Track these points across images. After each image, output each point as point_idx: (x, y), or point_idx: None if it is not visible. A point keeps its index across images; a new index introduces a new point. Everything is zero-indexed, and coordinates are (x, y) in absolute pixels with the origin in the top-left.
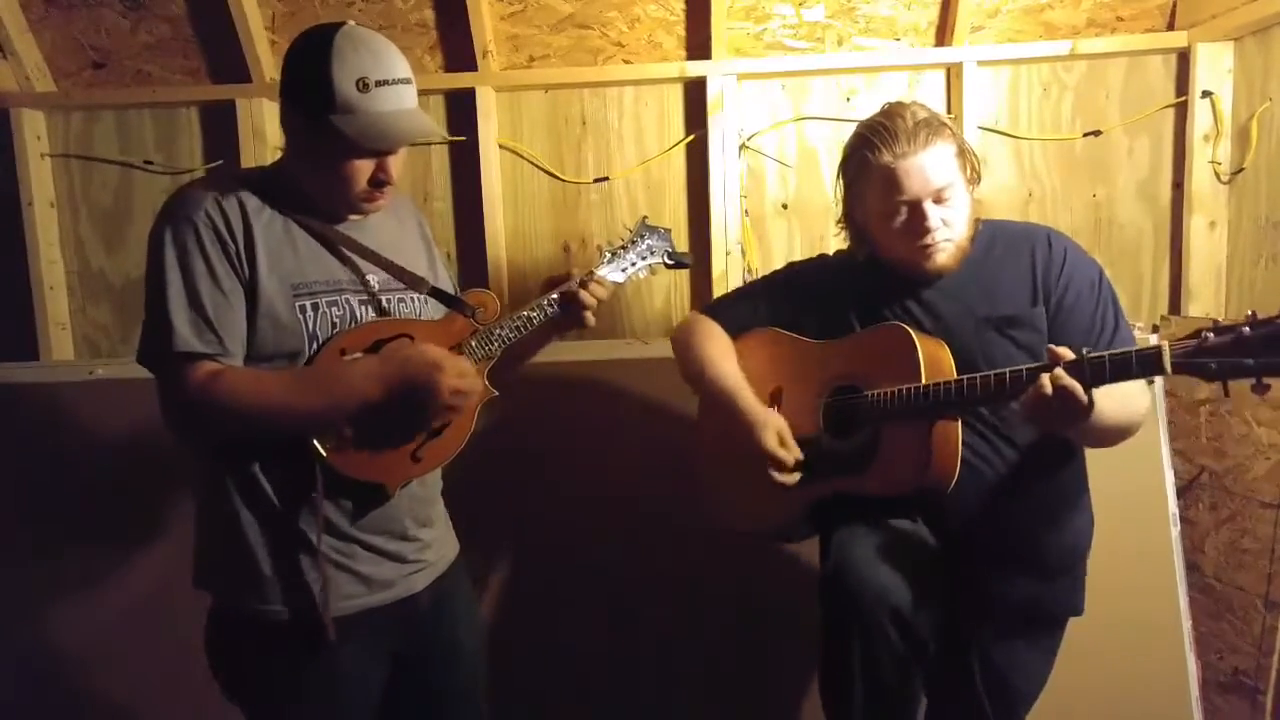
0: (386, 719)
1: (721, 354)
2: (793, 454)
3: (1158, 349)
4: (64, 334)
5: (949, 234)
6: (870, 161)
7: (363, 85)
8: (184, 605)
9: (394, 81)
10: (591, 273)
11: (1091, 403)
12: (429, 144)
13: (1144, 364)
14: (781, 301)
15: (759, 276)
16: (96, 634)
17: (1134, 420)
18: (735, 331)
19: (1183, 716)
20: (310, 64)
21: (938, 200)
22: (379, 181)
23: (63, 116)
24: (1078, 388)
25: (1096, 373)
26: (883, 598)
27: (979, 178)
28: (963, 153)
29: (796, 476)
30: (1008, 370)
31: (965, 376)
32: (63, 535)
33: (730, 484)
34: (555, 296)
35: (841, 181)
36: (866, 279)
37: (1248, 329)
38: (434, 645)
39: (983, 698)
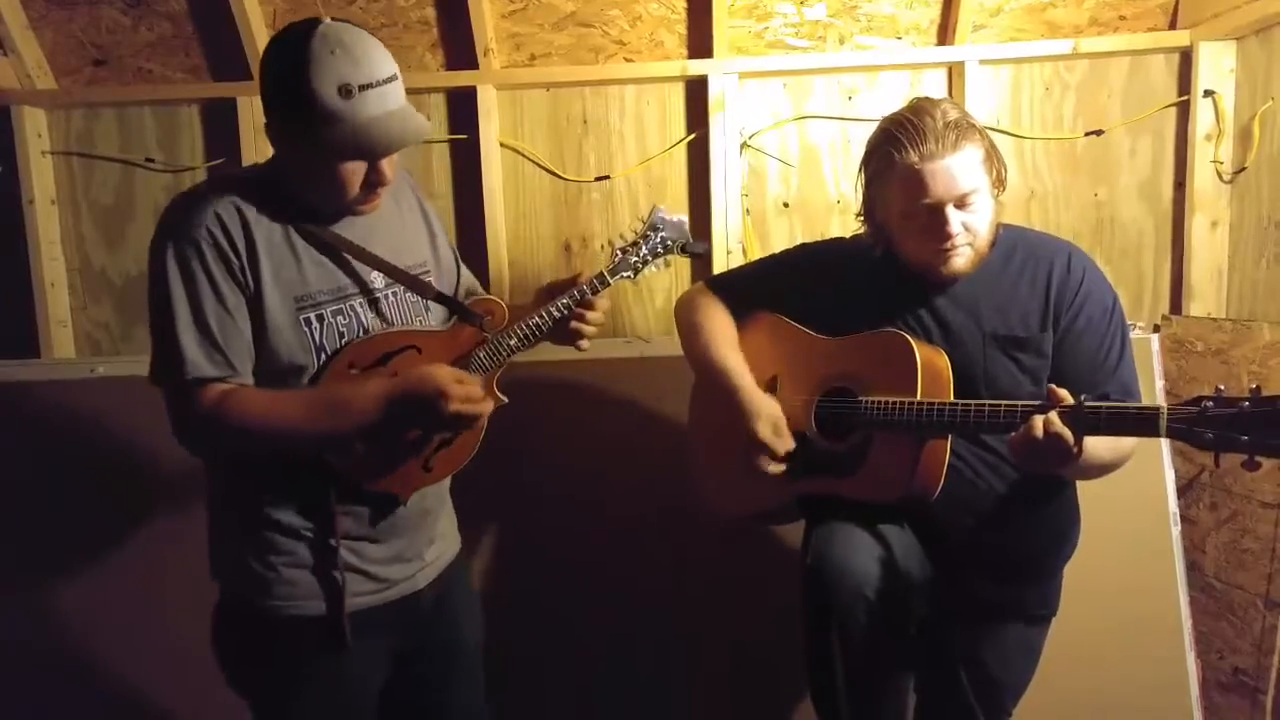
0: (389, 714)
1: (724, 335)
2: (785, 444)
3: (1156, 411)
4: (65, 332)
5: (969, 239)
6: (895, 160)
7: (345, 92)
8: (185, 602)
9: (378, 83)
10: (602, 275)
11: (1080, 450)
12: (430, 142)
13: (1140, 423)
14: (789, 285)
15: (770, 254)
16: (97, 632)
17: (1121, 460)
18: (739, 310)
19: (1183, 716)
20: (287, 74)
21: (961, 205)
22: (373, 184)
23: (64, 114)
24: (1069, 435)
25: (1091, 423)
26: (860, 589)
27: (1004, 184)
28: (990, 157)
29: (783, 467)
30: (1003, 404)
31: (960, 402)
32: (63, 534)
33: (721, 467)
34: (565, 301)
35: (863, 175)
36: (880, 275)
37: (1248, 404)
38: (436, 641)
39: (968, 692)
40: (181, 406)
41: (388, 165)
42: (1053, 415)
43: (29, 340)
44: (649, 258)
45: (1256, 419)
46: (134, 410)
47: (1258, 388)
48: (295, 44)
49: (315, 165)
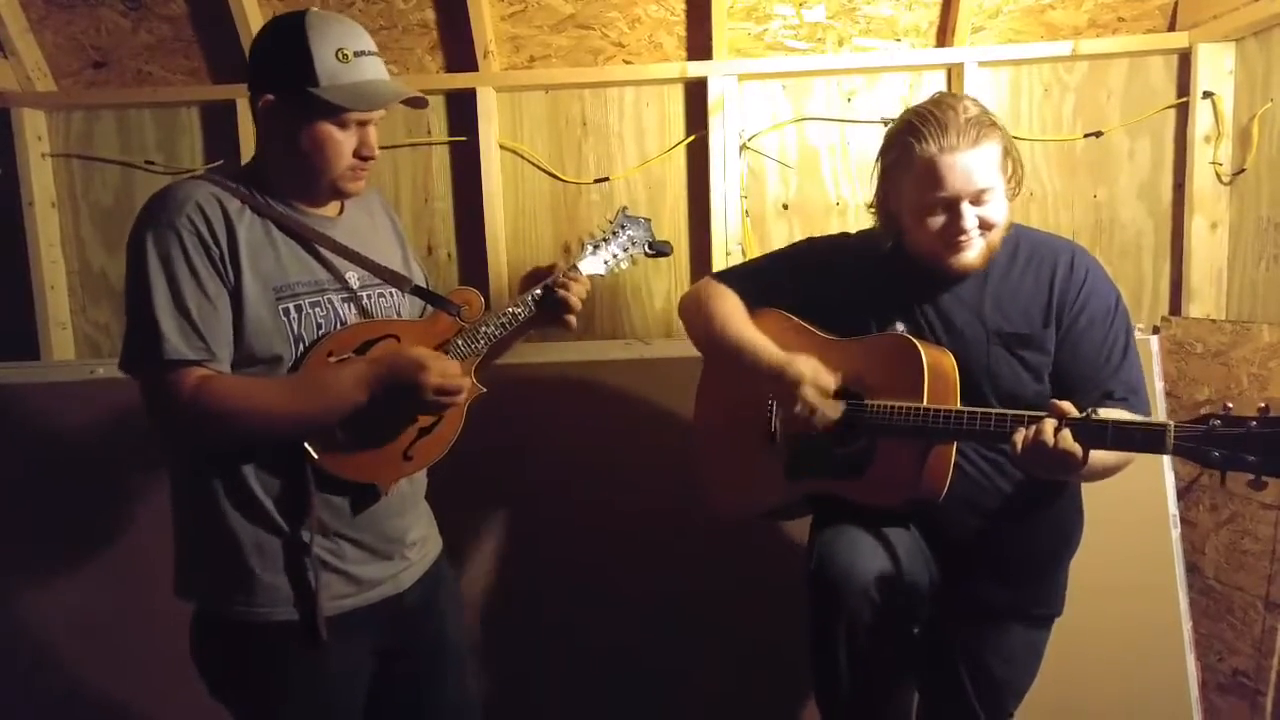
0: (377, 715)
1: (740, 315)
2: (830, 381)
3: (1163, 429)
4: (65, 334)
5: (983, 235)
6: (914, 150)
7: (342, 56)
8: (184, 604)
9: (369, 53)
10: (575, 266)
11: (1086, 461)
12: (430, 144)
13: (1146, 440)
14: (795, 279)
15: (775, 250)
16: (96, 633)
17: (1123, 464)
18: (746, 304)
19: (1182, 717)
20: (287, 43)
21: (976, 201)
22: (362, 156)
23: (63, 116)
24: (1079, 451)
25: (1096, 436)
26: (866, 592)
27: (1020, 184)
28: (1009, 155)
29: (840, 409)
30: (1010, 413)
31: (966, 410)
32: (63, 535)
33: (727, 466)
34: (539, 292)
35: (880, 165)
36: (887, 270)
37: (1255, 424)
38: (421, 641)
39: (970, 693)
40: (159, 393)
41: (374, 137)
42: (1065, 432)
43: (28, 342)
44: (618, 253)
45: (1264, 439)
46: (133, 412)
47: (1266, 407)
48: (291, 22)
49: (307, 135)
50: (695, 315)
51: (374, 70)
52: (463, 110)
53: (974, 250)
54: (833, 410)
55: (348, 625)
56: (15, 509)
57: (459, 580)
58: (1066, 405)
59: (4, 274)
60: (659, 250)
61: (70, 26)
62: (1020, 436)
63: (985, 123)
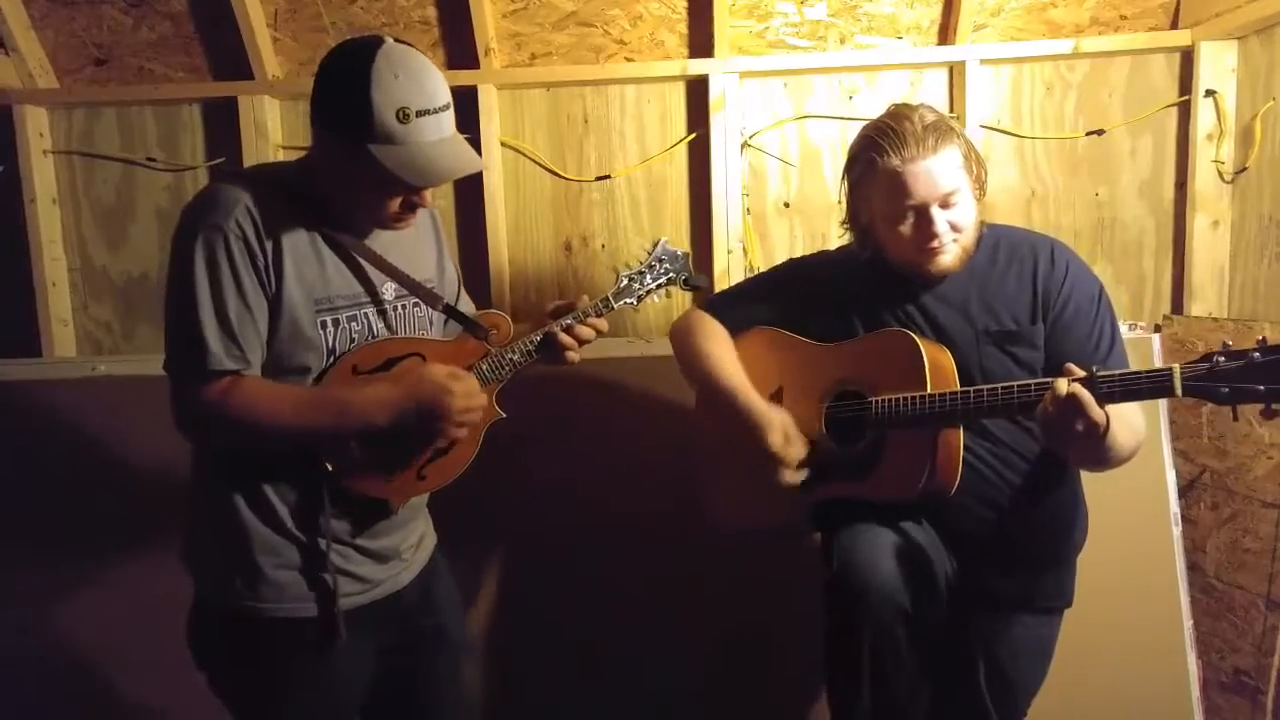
0: (374, 709)
1: (723, 353)
2: (798, 451)
3: (1169, 371)
4: (66, 331)
5: (956, 236)
6: (877, 164)
7: (403, 116)
8: (184, 604)
9: (434, 110)
10: (607, 298)
11: (1107, 419)
12: None
13: (1154, 386)
14: (783, 300)
15: (760, 272)
16: (96, 632)
17: (1137, 445)
18: (735, 330)
19: (1183, 716)
20: (348, 89)
21: (944, 205)
22: (412, 205)
23: (65, 113)
24: (1090, 399)
25: (1106, 391)
26: (889, 596)
27: (984, 185)
28: (970, 158)
29: (803, 474)
30: (1015, 383)
31: (972, 389)
32: (63, 533)
33: (729, 482)
34: (568, 322)
35: (846, 182)
36: (870, 280)
37: (1258, 354)
38: (421, 633)
39: (984, 692)
40: (187, 395)
41: (429, 190)
42: (1077, 385)
43: (30, 339)
44: (652, 286)
45: (1268, 366)
46: (135, 409)
47: (1264, 338)
48: (359, 62)
49: (357, 181)
50: (683, 351)
51: (436, 130)
52: (464, 107)
53: (949, 254)
54: (794, 480)
55: (352, 623)
56: (15, 506)
57: (459, 578)
58: (1070, 366)
59: (5, 271)
60: (695, 285)
61: (72, 24)
62: (1039, 403)
63: (943, 128)
